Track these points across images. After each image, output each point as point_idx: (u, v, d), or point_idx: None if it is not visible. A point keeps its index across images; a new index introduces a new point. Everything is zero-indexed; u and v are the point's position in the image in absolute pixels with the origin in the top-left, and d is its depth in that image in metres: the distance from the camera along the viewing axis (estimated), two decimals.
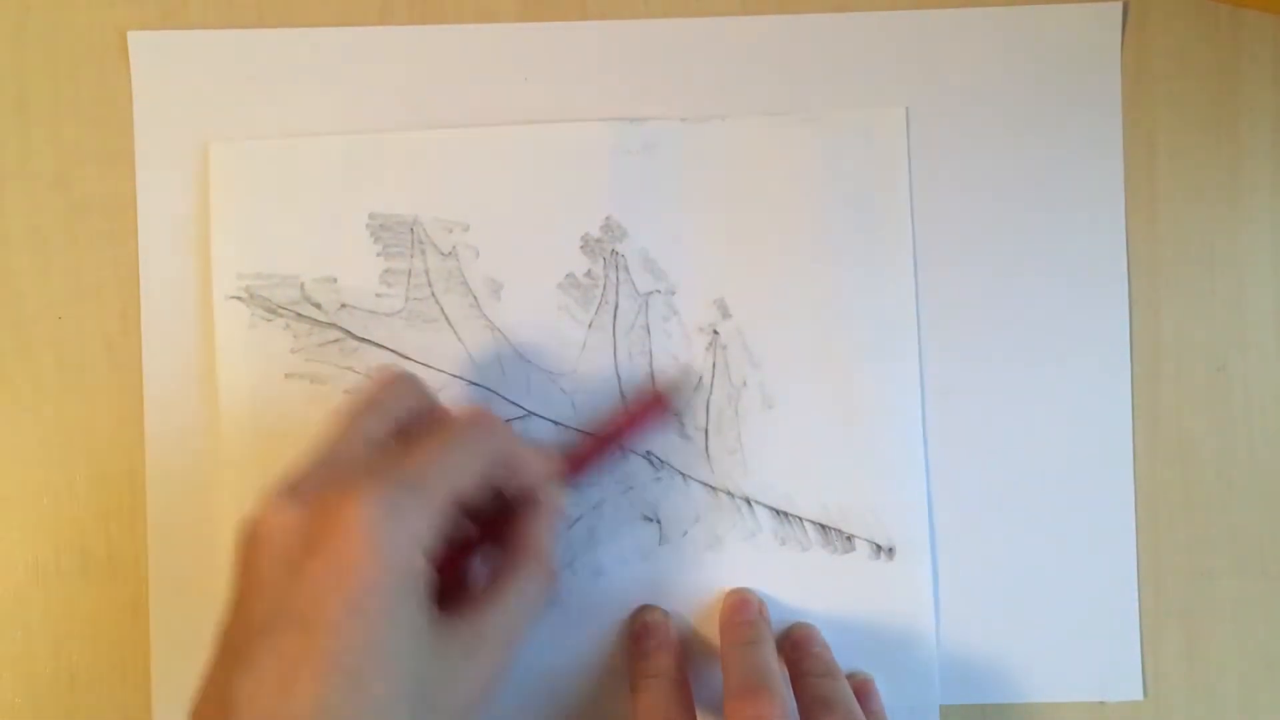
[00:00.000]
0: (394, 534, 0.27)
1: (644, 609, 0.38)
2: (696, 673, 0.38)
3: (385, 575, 0.26)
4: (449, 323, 0.38)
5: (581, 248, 0.38)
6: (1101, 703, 0.39)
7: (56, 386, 0.38)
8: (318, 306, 0.38)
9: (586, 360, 0.38)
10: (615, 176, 0.38)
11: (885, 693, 0.37)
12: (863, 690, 0.37)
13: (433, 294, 0.38)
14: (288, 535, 0.27)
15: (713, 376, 0.38)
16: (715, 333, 0.38)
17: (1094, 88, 0.39)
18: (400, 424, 0.31)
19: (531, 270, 0.38)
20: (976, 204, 0.39)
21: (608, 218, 0.38)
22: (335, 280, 0.38)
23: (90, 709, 0.38)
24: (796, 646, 0.37)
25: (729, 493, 0.38)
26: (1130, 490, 0.39)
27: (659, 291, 0.38)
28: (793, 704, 0.33)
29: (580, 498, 0.38)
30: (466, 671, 0.29)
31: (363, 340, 0.38)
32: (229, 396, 0.38)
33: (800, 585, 0.38)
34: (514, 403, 0.38)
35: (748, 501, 0.38)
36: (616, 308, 0.38)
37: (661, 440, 0.38)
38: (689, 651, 0.38)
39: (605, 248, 0.38)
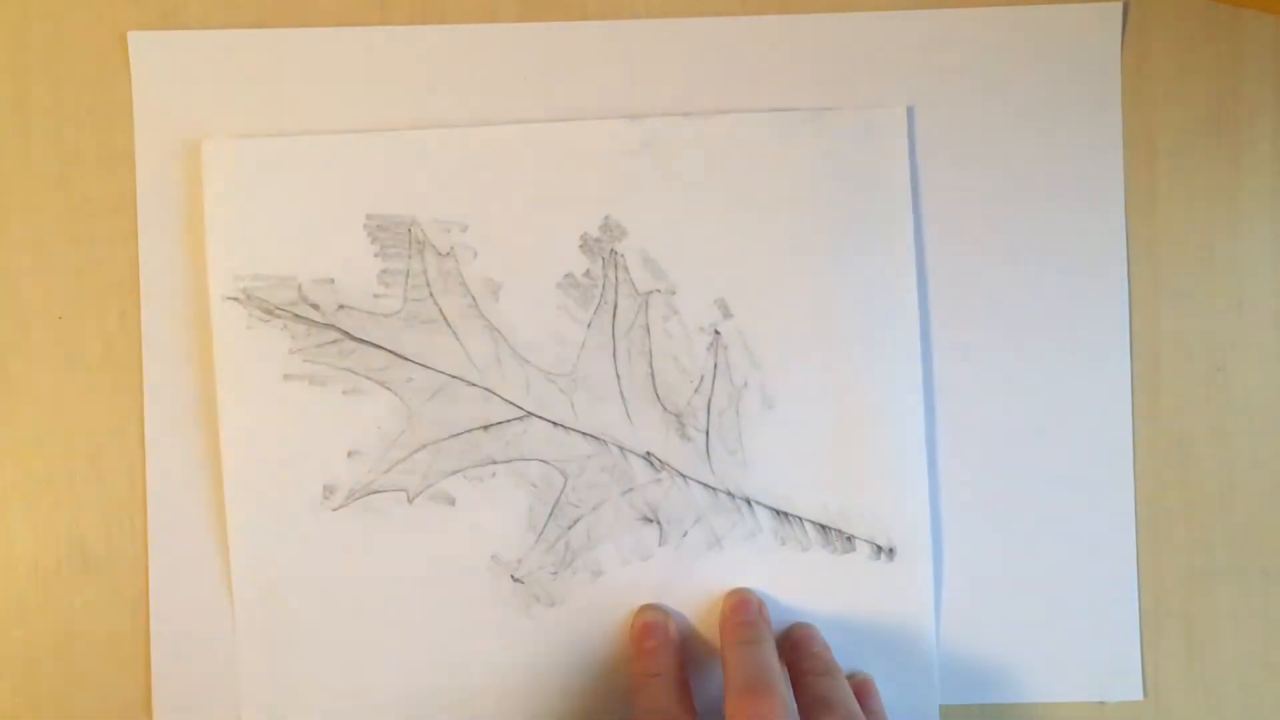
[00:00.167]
0: None
1: (645, 608, 0.38)
2: (697, 672, 0.38)
3: None
4: (447, 323, 0.38)
5: (580, 247, 0.38)
6: (1101, 703, 0.39)
7: (56, 386, 0.38)
8: (315, 307, 0.38)
9: (586, 360, 0.38)
10: (614, 176, 0.38)
11: (885, 693, 0.37)
12: (863, 690, 0.37)
13: (431, 294, 0.38)
14: None
15: (714, 377, 0.38)
16: (717, 333, 0.38)
17: (1094, 87, 0.39)
18: None
19: (530, 270, 0.38)
20: (977, 203, 0.39)
21: (607, 217, 0.38)
22: (333, 281, 0.38)
23: (90, 709, 0.38)
24: (796, 646, 0.37)
25: (729, 493, 0.38)
26: (1130, 490, 0.39)
27: (659, 291, 0.38)
28: (793, 703, 0.33)
29: (580, 498, 0.38)
30: None
31: (361, 341, 0.38)
32: (228, 397, 0.38)
33: (800, 585, 0.38)
34: (513, 403, 0.38)
35: (748, 502, 0.38)
36: (616, 307, 0.38)
37: (662, 441, 0.38)
38: (689, 651, 0.38)
39: (604, 247, 0.38)
